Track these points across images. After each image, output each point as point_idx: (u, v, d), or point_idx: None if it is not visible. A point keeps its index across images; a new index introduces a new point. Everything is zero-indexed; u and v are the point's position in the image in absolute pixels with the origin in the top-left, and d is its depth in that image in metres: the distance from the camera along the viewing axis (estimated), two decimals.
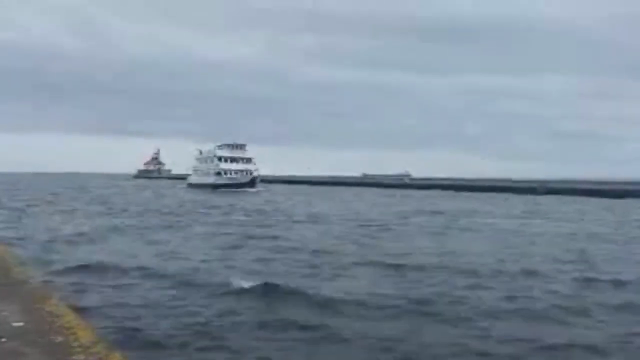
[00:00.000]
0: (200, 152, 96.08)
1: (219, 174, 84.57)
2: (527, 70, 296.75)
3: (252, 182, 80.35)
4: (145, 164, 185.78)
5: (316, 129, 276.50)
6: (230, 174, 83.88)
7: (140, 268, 15.28)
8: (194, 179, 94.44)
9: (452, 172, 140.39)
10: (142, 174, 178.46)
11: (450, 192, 78.82)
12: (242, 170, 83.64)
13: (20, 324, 6.59)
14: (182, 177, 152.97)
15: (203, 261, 16.90)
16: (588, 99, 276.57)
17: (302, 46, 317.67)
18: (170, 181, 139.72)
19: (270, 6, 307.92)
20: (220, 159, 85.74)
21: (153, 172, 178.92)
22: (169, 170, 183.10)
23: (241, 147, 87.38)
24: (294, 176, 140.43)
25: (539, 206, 49.47)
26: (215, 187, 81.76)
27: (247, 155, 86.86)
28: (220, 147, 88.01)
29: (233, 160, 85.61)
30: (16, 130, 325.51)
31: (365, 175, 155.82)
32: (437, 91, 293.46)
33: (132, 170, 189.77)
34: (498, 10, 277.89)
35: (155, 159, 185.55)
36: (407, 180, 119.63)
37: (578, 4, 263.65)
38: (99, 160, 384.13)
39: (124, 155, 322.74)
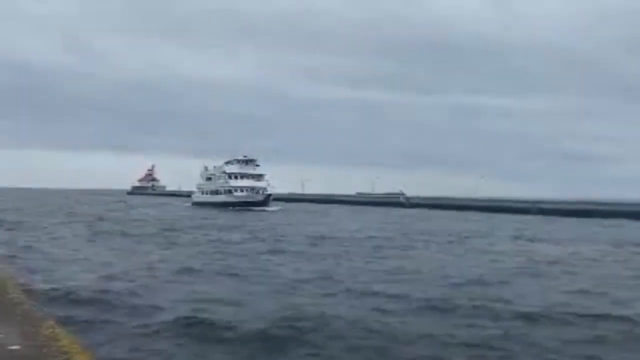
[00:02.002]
0: (206, 168, 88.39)
1: (229, 191, 76.75)
2: (514, 90, 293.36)
3: (266, 201, 72.86)
4: (139, 180, 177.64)
5: (308, 146, 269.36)
6: (242, 191, 76.12)
7: None
8: (199, 197, 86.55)
9: (444, 192, 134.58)
10: (136, 190, 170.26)
11: (454, 212, 72.74)
12: (253, 188, 76.06)
13: (16, 347, 6.27)
14: (178, 194, 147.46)
15: None
16: (575, 119, 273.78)
17: (295, 65, 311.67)
18: (166, 198, 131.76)
19: (261, 25, 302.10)
20: (230, 175, 78.01)
21: (147, 188, 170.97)
22: (164, 187, 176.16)
23: (252, 162, 79.65)
24: (293, 194, 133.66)
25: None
26: (225, 205, 74.25)
27: (258, 171, 79.13)
28: (229, 162, 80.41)
29: (243, 176, 77.94)
30: (7, 147, 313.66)
31: (359, 194, 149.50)
32: (429, 111, 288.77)
33: (126, 186, 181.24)
34: (485, 30, 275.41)
35: (150, 175, 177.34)
36: (402, 200, 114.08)
37: (564, 26, 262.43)
38: (91, 176, 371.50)
39: (116, 172, 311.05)
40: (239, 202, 73.38)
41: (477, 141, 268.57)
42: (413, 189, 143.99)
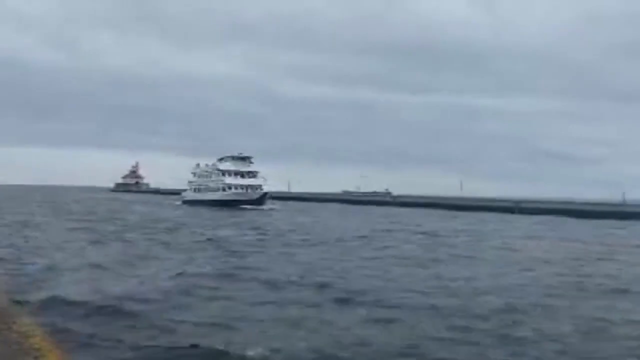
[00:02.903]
0: (198, 165, 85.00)
1: (223, 189, 73.51)
2: (502, 91, 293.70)
3: (262, 199, 69.88)
4: (123, 177, 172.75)
5: (296, 145, 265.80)
6: (236, 189, 72.95)
7: None
8: (190, 195, 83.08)
9: (429, 190, 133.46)
10: (120, 188, 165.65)
11: (444, 211, 70.51)
12: (248, 186, 72.96)
13: None
14: (164, 192, 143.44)
15: None
16: (562, 120, 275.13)
17: (285, 63, 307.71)
18: (151, 196, 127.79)
19: (251, 23, 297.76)
20: (223, 173, 74.76)
21: (131, 185, 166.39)
22: (148, 184, 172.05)
23: (246, 159, 76.51)
24: (280, 192, 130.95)
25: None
26: (219, 203, 71.18)
27: (252, 168, 76.01)
28: (223, 159, 77.18)
29: (238, 174, 74.75)
30: None
31: (346, 192, 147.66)
32: (416, 110, 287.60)
33: (110, 183, 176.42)
34: (473, 32, 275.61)
35: (134, 173, 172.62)
36: (389, 199, 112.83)
37: (553, 28, 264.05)
38: (73, 173, 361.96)
39: (100, 168, 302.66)
40: (235, 200, 70.30)
41: (463, 141, 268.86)
42: (399, 187, 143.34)
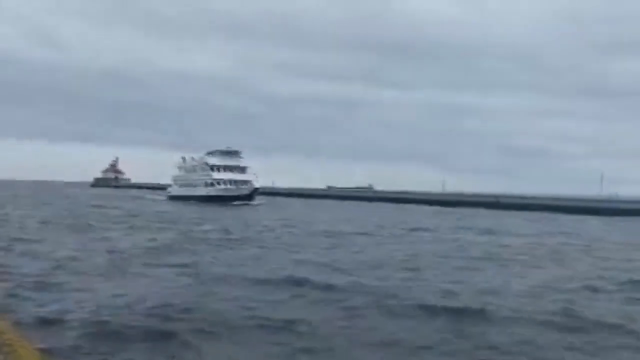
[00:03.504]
0: (184, 160, 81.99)
1: (211, 184, 70.70)
2: (480, 88, 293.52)
3: (252, 195, 67.39)
4: (103, 172, 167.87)
5: (279, 140, 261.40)
6: (226, 184, 70.25)
7: None
8: (176, 190, 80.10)
9: (410, 186, 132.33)
10: (100, 183, 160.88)
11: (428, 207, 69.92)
12: (238, 181, 70.31)
13: None
14: (145, 187, 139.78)
15: None
16: (539, 117, 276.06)
17: (269, 59, 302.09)
18: (134, 191, 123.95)
19: (236, 18, 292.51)
20: (212, 167, 71.92)
21: (111, 180, 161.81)
22: (128, 179, 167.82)
23: (235, 154, 73.82)
24: (265, 187, 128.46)
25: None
26: (207, 199, 68.54)
27: (242, 163, 73.34)
28: (211, 154, 74.33)
29: (226, 168, 72.03)
30: None
31: (329, 188, 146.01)
32: (397, 106, 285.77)
33: (89, 178, 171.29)
34: (459, 31, 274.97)
35: (114, 167, 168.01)
36: (370, 194, 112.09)
37: (533, 27, 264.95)
38: (52, 167, 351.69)
39: (79, 163, 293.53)
40: (225, 195, 67.67)
41: (445, 137, 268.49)
42: (382, 183, 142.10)
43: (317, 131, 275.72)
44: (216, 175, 70.92)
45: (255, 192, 68.30)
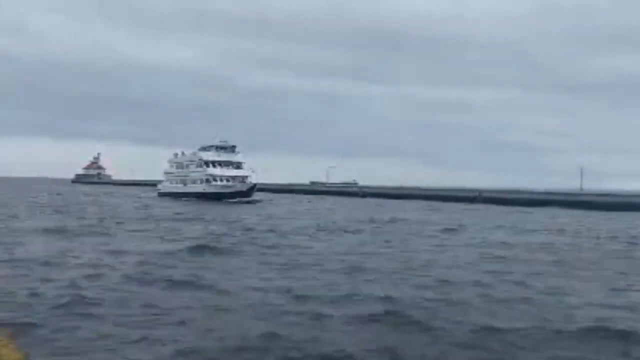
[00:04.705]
0: (176, 155, 78.10)
1: (207, 180, 67.22)
2: (464, 83, 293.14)
3: (250, 191, 64.25)
4: (84, 168, 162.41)
5: (262, 135, 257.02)
6: (222, 181, 66.87)
7: None
8: (168, 187, 76.28)
9: (393, 181, 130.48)
10: (81, 179, 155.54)
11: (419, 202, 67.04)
12: (234, 177, 66.99)
13: None
14: (129, 183, 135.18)
15: None
16: (518, 112, 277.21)
17: (248, 52, 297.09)
18: (118, 187, 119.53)
19: (214, 10, 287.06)
20: (207, 163, 68.37)
21: (93, 176, 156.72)
22: (110, 176, 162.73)
23: (231, 148, 70.26)
24: None
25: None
26: (202, 196, 65.24)
27: (238, 159, 69.93)
28: (205, 148, 70.64)
29: (223, 164, 68.57)
30: None
31: (313, 183, 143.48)
32: (381, 101, 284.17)
33: (70, 174, 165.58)
34: (438, 25, 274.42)
35: (95, 163, 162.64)
36: (355, 189, 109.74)
37: (508, 22, 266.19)
38: (31, 163, 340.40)
39: (59, 159, 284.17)
40: (222, 192, 64.40)
41: (428, 132, 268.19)
42: (364, 178, 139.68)
43: (300, 126, 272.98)
44: (212, 171, 67.45)
45: (254, 188, 65.16)
